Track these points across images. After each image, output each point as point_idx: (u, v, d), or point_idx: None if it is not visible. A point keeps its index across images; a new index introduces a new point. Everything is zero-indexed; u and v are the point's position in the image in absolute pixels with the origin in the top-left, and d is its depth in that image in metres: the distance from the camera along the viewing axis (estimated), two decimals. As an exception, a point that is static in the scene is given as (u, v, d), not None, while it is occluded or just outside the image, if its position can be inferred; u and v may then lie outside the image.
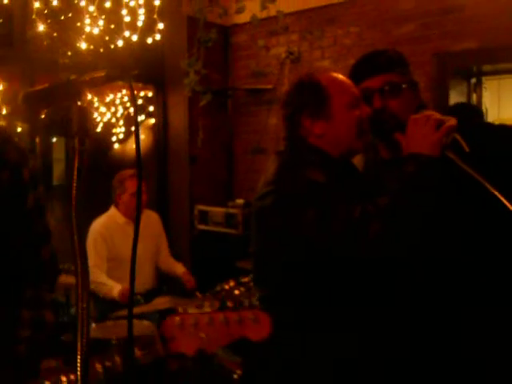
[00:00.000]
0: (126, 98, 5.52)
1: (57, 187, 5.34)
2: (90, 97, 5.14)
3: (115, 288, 3.44)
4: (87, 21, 4.00)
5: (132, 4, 4.05)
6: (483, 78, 4.32)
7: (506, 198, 1.40)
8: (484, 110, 4.70)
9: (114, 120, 5.62)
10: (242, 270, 3.48)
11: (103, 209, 3.90)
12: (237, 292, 3.39)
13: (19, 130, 4.20)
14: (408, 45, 4.16)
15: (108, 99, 5.59)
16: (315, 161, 1.66)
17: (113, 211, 3.85)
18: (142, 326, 3.03)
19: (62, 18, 4.19)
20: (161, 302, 3.10)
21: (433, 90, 4.01)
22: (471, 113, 3.23)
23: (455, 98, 4.07)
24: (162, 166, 5.11)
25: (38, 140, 4.50)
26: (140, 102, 5.27)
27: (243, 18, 5.01)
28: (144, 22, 4.13)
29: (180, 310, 1.10)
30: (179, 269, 3.95)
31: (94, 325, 3.00)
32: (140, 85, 5.23)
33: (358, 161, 1.83)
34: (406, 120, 1.62)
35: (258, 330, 1.10)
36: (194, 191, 4.97)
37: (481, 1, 3.81)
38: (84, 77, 0.91)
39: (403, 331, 1.67)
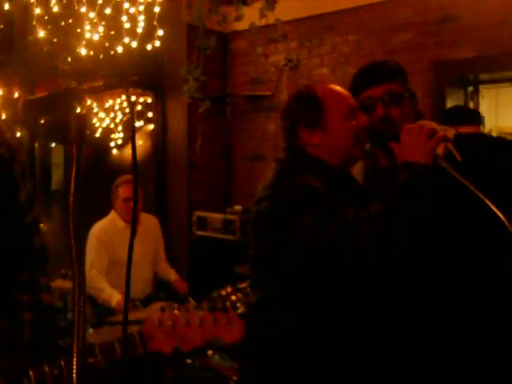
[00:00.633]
0: (125, 104, 5.55)
1: (55, 192, 5.36)
2: (89, 102, 5.17)
3: (114, 297, 3.45)
4: (87, 27, 4.02)
5: (132, 11, 4.08)
6: (480, 87, 4.35)
7: (498, 208, 1.43)
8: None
9: (112, 125, 5.64)
10: (239, 275, 3.49)
11: (102, 214, 3.91)
12: (233, 298, 3.41)
13: (18, 134, 4.22)
14: (406, 53, 4.19)
15: (107, 105, 5.62)
16: (313, 169, 1.70)
17: (113, 215, 3.87)
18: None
19: (63, 24, 4.21)
20: (157, 308, 3.11)
21: (430, 98, 4.04)
22: (466, 115, 3.25)
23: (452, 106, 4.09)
24: (160, 171, 5.13)
25: (36, 145, 4.53)
26: (139, 107, 5.30)
27: (242, 25, 5.04)
28: (144, 28, 4.15)
29: (164, 309, 1.16)
30: (172, 275, 3.98)
31: (91, 330, 3.00)
32: (139, 91, 5.25)
33: (357, 169, 1.87)
34: (401, 128, 1.66)
35: (230, 331, 1.16)
36: (193, 197, 4.99)
37: (478, 10, 3.85)
38: (83, 85, 0.93)
39: (398, 334, 1.69)
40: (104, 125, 5.63)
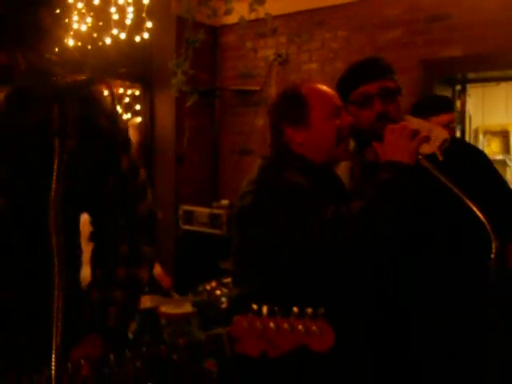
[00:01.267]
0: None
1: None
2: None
3: None
4: (75, 18, 3.98)
5: (121, 2, 4.03)
6: (467, 86, 4.37)
7: (478, 208, 1.45)
8: (467, 117, 4.76)
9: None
10: (225, 270, 3.49)
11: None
12: (218, 292, 3.42)
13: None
14: (394, 51, 4.20)
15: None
16: (297, 166, 1.71)
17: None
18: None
19: (50, 14, 4.16)
20: (141, 301, 3.11)
21: (418, 95, 4.05)
22: (441, 103, 3.26)
23: (440, 104, 4.11)
24: (147, 165, 5.10)
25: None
26: (127, 100, 5.26)
27: (232, 18, 5.02)
28: (132, 20, 4.11)
29: (254, 307, 1.13)
30: (156, 270, 3.96)
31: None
32: (127, 83, 5.21)
33: (343, 168, 1.88)
34: (383, 128, 1.68)
35: (320, 340, 1.12)
36: (180, 191, 4.97)
37: (467, 9, 3.86)
38: (66, 78, 0.91)
39: (380, 333, 1.71)
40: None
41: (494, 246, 1.44)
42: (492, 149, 6.79)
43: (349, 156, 1.85)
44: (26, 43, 1.08)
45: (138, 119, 5.21)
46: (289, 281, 1.64)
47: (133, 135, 5.14)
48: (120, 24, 4.08)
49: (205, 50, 4.89)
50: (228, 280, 3.06)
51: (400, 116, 1.79)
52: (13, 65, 1.05)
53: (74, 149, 1.15)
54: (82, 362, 1.15)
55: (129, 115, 5.30)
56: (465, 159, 1.76)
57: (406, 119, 1.80)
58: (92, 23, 4.07)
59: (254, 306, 1.09)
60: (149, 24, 4.13)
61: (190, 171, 5.03)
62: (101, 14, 4.09)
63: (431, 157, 1.62)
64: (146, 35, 4.19)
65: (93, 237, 1.43)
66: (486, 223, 1.45)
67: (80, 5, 3.92)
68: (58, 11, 1.20)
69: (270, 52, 4.87)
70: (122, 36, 4.12)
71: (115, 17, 4.05)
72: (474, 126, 6.10)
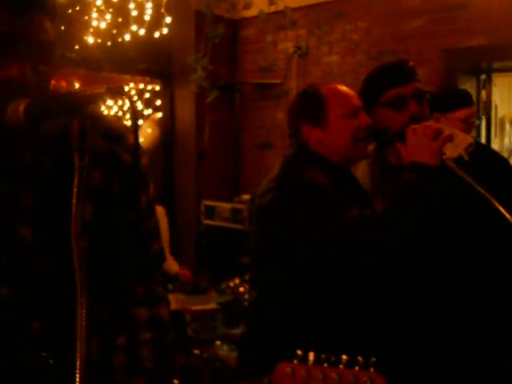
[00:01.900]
0: (133, 92, 5.52)
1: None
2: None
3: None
4: (94, 15, 3.99)
5: (139, -2, 4.03)
6: (493, 75, 4.28)
7: (506, 209, 1.41)
8: (493, 107, 4.67)
9: (120, 113, 5.62)
10: (247, 265, 3.48)
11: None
12: (242, 289, 3.41)
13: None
14: (417, 40, 4.13)
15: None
16: (317, 165, 1.71)
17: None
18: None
19: (70, 11, 4.18)
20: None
21: (441, 86, 3.98)
22: (459, 97, 3.16)
23: (464, 94, 4.03)
24: (168, 160, 5.11)
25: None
26: (147, 95, 5.27)
27: (252, 11, 4.99)
28: (151, 16, 4.10)
29: (299, 353, 1.06)
30: (175, 266, 3.98)
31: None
32: (147, 79, 5.22)
33: (362, 170, 1.87)
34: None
35: None
36: (201, 186, 4.97)
37: (491, -3, 3.78)
38: (85, 91, 0.90)
39: (394, 335, 1.68)
40: (112, 113, 5.61)
41: None
42: (518, 138, 6.66)
43: (367, 157, 1.82)
44: (35, 55, 1.07)
45: (159, 114, 5.23)
46: (308, 281, 1.62)
47: (153, 130, 5.16)
48: (139, 20, 4.08)
49: (224, 43, 4.86)
50: (250, 277, 3.06)
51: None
52: (24, 78, 1.04)
53: (97, 177, 1.13)
54: None
55: (150, 111, 5.31)
56: (489, 163, 1.73)
57: (434, 118, 1.77)
58: (111, 20, 4.08)
59: (299, 352, 1.04)
60: (168, 19, 4.12)
61: (211, 166, 5.03)
62: (120, 10, 4.09)
63: (457, 158, 1.58)
64: (165, 31, 4.18)
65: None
66: None
67: (99, 2, 3.93)
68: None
69: (289, 45, 4.83)
70: (142, 32, 4.12)
71: (134, 13, 4.05)
72: (500, 115, 6.00)
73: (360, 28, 4.48)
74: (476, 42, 3.87)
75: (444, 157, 1.57)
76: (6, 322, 1.12)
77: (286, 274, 1.65)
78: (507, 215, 1.41)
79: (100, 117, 1.08)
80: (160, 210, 4.08)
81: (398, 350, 1.67)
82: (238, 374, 1.95)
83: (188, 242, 4.79)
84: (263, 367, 1.55)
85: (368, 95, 1.79)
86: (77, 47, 4.21)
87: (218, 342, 3.14)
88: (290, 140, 1.84)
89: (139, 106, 5.41)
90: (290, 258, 1.63)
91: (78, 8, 4.14)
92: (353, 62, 4.46)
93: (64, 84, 4.81)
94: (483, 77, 4.25)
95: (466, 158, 1.57)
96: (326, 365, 1.00)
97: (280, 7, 4.00)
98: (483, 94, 4.28)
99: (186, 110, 5.02)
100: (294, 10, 4.46)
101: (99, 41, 4.14)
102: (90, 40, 4.06)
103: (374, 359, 0.98)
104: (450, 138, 1.60)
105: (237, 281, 3.06)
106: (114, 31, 4.18)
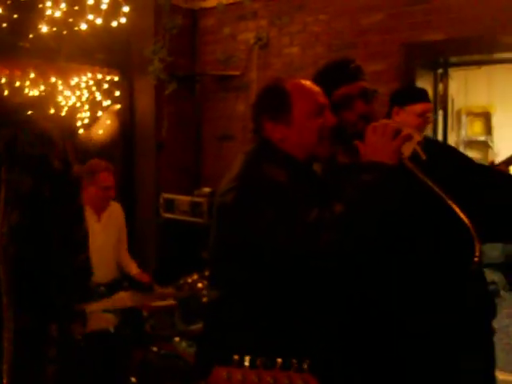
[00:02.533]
0: (91, 82, 5.39)
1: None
2: (53, 80, 5.00)
3: None
4: (49, 3, 3.86)
5: (95, -14, 3.92)
6: (449, 69, 4.34)
7: (461, 209, 1.42)
8: (450, 100, 4.74)
9: (78, 104, 5.48)
10: (206, 260, 3.45)
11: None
12: (200, 285, 3.38)
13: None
14: (376, 34, 4.15)
15: (73, 82, 5.44)
16: (278, 161, 1.67)
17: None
18: (105, 319, 3.00)
19: (23, -1, 4.04)
20: (122, 298, 3.06)
21: (399, 80, 4.02)
22: (414, 93, 3.30)
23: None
24: (128, 152, 5.03)
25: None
26: (106, 86, 5.15)
27: (211, 1, 4.93)
28: (108, 4, 4.00)
29: (235, 358, 1.06)
30: (134, 269, 3.91)
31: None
32: (106, 69, 5.10)
33: (316, 167, 1.84)
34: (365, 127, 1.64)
35: None
36: (161, 178, 4.91)
37: (449, -8, 3.81)
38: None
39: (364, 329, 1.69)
40: (70, 103, 5.46)
41: (477, 248, 1.41)
42: (474, 130, 6.79)
43: (331, 154, 1.80)
44: None
45: (117, 106, 5.12)
46: (271, 280, 1.60)
47: (111, 122, 5.06)
48: (96, 9, 3.97)
49: (184, 34, 4.79)
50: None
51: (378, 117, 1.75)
52: None
53: (27, 184, 1.09)
54: None
55: (108, 102, 5.20)
56: (441, 156, 1.72)
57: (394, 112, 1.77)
58: (66, 8, 3.96)
59: (236, 357, 1.04)
60: (125, 8, 4.02)
61: (171, 158, 4.96)
62: (75, -2, 3.97)
63: (413, 157, 1.57)
64: (122, 20, 4.08)
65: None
66: (469, 225, 1.41)
67: (53, -10, 3.80)
68: None
69: (250, 35, 4.79)
70: (98, 21, 4.01)
71: (90, 1, 3.93)
72: (456, 108, 6.10)
73: (321, 20, 4.47)
74: (434, 37, 3.90)
75: (402, 156, 1.56)
76: None
77: (248, 272, 1.63)
78: (462, 216, 1.42)
79: (32, 123, 1.04)
80: (117, 207, 4.01)
81: (357, 351, 1.68)
82: (196, 370, 1.93)
83: (147, 235, 4.73)
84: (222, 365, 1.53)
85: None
86: (31, 36, 4.08)
87: (177, 339, 3.12)
88: (252, 134, 1.79)
89: (98, 97, 5.29)
90: (253, 257, 1.60)
91: (31, -5, 4.01)
92: (313, 54, 4.45)
93: (18, 74, 4.68)
94: (440, 71, 4.30)
95: (424, 157, 1.56)
96: (261, 369, 1.03)
97: (240, -2, 3.96)
98: (440, 87, 4.34)
99: (145, 101, 4.94)
100: (255, 0, 4.42)
101: (54, 30, 4.02)
102: (45, 29, 3.93)
103: (308, 361, 1.00)
104: (409, 137, 1.58)
105: (195, 276, 3.03)
106: (70, 20, 4.06)
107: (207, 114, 5.18)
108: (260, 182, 1.60)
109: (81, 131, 5.48)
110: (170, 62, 4.14)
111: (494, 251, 4.98)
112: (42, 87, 4.92)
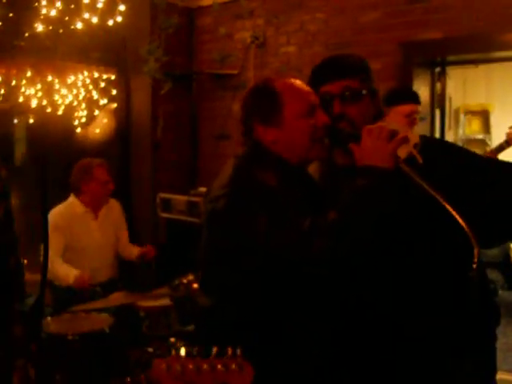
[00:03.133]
0: (88, 81, 5.37)
1: (18, 169, 5.20)
2: (50, 78, 4.98)
3: (71, 273, 3.37)
4: (44, 2, 3.84)
5: (91, -16, 3.90)
6: (447, 68, 4.33)
7: (458, 213, 1.39)
8: (448, 99, 4.74)
9: (75, 103, 5.46)
10: (197, 264, 3.43)
11: (65, 193, 3.80)
12: (195, 286, 3.36)
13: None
14: (373, 33, 4.13)
15: (69, 81, 5.42)
16: (270, 165, 1.63)
17: (72, 200, 3.76)
18: (101, 319, 2.98)
19: (19, -3, 4.02)
20: (117, 298, 3.05)
21: (397, 78, 4.01)
22: (401, 94, 3.30)
23: (419, 86, 4.07)
24: (124, 151, 5.01)
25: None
26: (102, 85, 5.13)
27: (208, 0, 4.91)
28: (104, 3, 3.98)
29: (173, 351, 1.13)
30: (135, 250, 3.92)
31: (49, 318, 2.92)
32: (102, 68, 5.08)
33: (313, 166, 1.80)
34: (361, 128, 1.59)
35: (241, 377, 1.15)
36: (158, 178, 4.90)
37: (446, -10, 3.80)
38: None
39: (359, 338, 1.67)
40: (67, 102, 5.44)
41: (475, 252, 1.38)
42: (472, 128, 6.80)
43: (324, 157, 1.74)
44: None
45: (114, 105, 5.10)
46: (263, 285, 1.58)
47: (108, 121, 5.04)
48: (91, 8, 3.95)
49: (180, 32, 4.77)
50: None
51: (371, 118, 1.69)
52: None
53: None
54: None
55: (105, 100, 5.18)
56: (440, 154, 1.67)
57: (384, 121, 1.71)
58: (62, 7, 3.94)
59: (173, 351, 1.08)
60: (121, 7, 4.01)
61: (167, 157, 4.95)
62: (71, -3, 3.96)
63: (410, 160, 1.53)
64: (119, 19, 4.06)
65: None
66: (466, 229, 1.38)
67: (49, -12, 3.78)
68: None
69: (247, 34, 4.77)
70: (94, 20, 3.99)
71: (86, 0, 3.91)
72: (454, 107, 6.11)
73: (318, 19, 4.46)
74: (431, 35, 3.89)
75: (398, 159, 1.52)
76: None
77: (240, 277, 1.60)
78: (460, 220, 1.39)
79: None
80: (115, 204, 4.00)
81: (353, 355, 1.66)
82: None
83: (144, 235, 4.72)
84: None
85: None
86: (27, 35, 4.06)
87: (173, 339, 3.09)
88: (243, 137, 1.74)
89: (94, 95, 5.27)
90: (246, 262, 1.58)
91: (27, -6, 3.99)
92: (311, 53, 4.43)
93: (14, 72, 4.66)
94: (438, 69, 4.30)
95: (420, 161, 1.52)
96: (198, 357, 1.10)
97: (237, -4, 3.94)
98: (438, 86, 4.33)
99: (142, 100, 4.92)
100: (252, -1, 4.41)
101: (50, 28, 4.00)
102: (40, 28, 3.91)
103: (240, 349, 1.09)
104: (406, 140, 1.54)
105: (190, 277, 3.01)
106: (66, 18, 4.04)
107: (204, 112, 5.16)
108: (251, 187, 1.56)
109: (78, 130, 5.47)
110: (166, 61, 4.12)
111: (492, 250, 4.98)
112: (39, 86, 4.91)
